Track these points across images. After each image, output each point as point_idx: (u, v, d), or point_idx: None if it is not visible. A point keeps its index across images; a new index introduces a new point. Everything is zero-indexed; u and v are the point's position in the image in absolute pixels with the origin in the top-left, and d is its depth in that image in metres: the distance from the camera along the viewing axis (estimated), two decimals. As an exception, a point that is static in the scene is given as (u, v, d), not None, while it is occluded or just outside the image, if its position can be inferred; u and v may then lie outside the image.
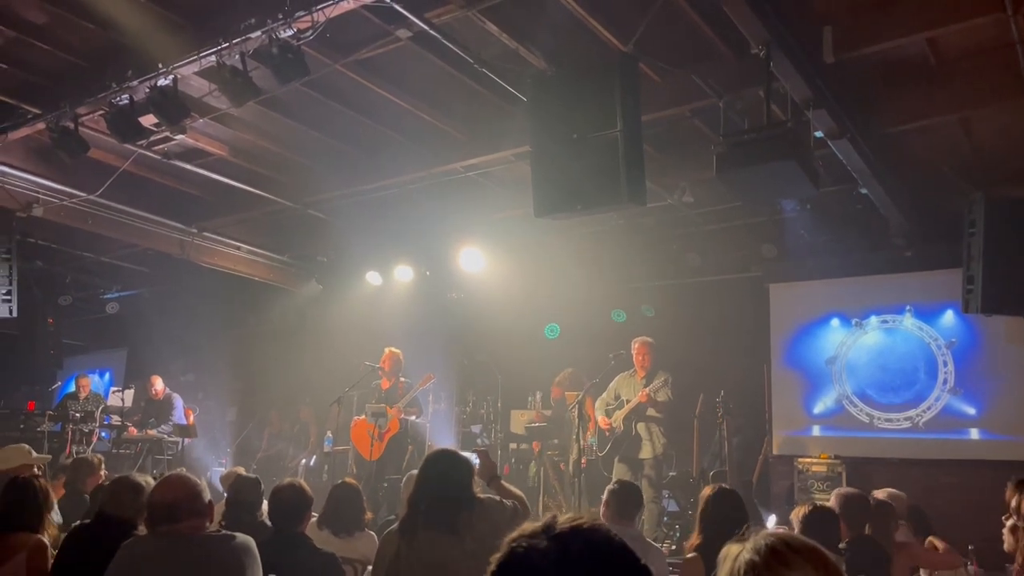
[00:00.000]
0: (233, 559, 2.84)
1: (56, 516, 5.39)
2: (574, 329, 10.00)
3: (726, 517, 3.71)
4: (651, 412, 7.96)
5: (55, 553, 3.94)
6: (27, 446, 5.55)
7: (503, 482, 3.96)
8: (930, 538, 5.02)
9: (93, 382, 14.20)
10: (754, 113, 5.76)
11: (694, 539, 3.88)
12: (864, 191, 7.29)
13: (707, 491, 4.01)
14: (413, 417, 8.88)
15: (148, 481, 3.69)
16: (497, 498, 3.63)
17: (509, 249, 9.47)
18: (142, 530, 3.45)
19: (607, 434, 8.17)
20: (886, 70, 6.06)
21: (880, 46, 5.52)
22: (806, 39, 5.29)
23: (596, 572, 1.26)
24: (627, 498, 4.68)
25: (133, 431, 10.24)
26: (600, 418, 8.21)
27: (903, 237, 8.16)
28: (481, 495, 3.58)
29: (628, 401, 8.03)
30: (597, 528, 1.32)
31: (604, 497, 4.69)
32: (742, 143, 5.16)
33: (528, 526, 1.34)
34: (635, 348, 8.18)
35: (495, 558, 1.32)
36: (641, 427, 7.98)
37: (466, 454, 3.90)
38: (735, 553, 1.58)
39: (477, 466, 3.76)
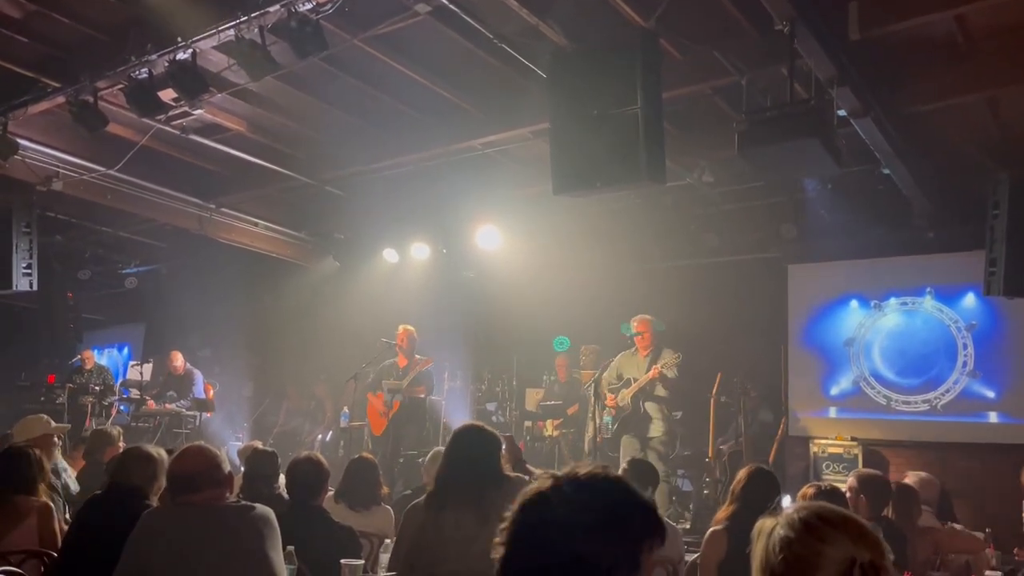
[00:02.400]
0: (253, 529, 2.86)
1: (73, 485, 5.48)
2: (589, 308, 9.96)
3: (761, 496, 3.73)
4: (659, 390, 7.91)
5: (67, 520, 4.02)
6: (45, 416, 5.60)
7: (528, 465, 3.96)
8: (949, 524, 4.99)
9: (110, 356, 14.42)
10: (776, 91, 5.67)
11: (724, 511, 3.90)
12: (886, 171, 7.19)
13: (746, 469, 4.02)
14: (421, 395, 8.87)
15: (160, 452, 3.74)
16: (526, 477, 3.62)
17: (526, 227, 9.44)
18: (154, 499, 3.49)
19: (613, 412, 8.13)
20: (912, 48, 5.95)
21: (907, 23, 5.41)
22: (831, 15, 5.20)
23: (600, 508, 1.35)
24: (640, 476, 4.67)
25: (152, 405, 10.35)
26: (608, 396, 8.16)
27: (925, 218, 8.06)
28: (510, 473, 3.58)
29: (634, 380, 7.97)
30: (602, 473, 1.42)
31: None
32: (765, 120, 5.10)
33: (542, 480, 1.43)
34: (635, 327, 8.11)
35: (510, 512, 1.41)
36: (650, 405, 7.95)
37: None
38: (769, 528, 1.56)
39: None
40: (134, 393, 10.85)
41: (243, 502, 3.04)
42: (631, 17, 5.43)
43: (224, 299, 11.31)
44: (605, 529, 1.33)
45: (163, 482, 3.51)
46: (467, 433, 3.60)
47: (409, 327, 8.96)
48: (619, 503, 1.37)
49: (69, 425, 7.30)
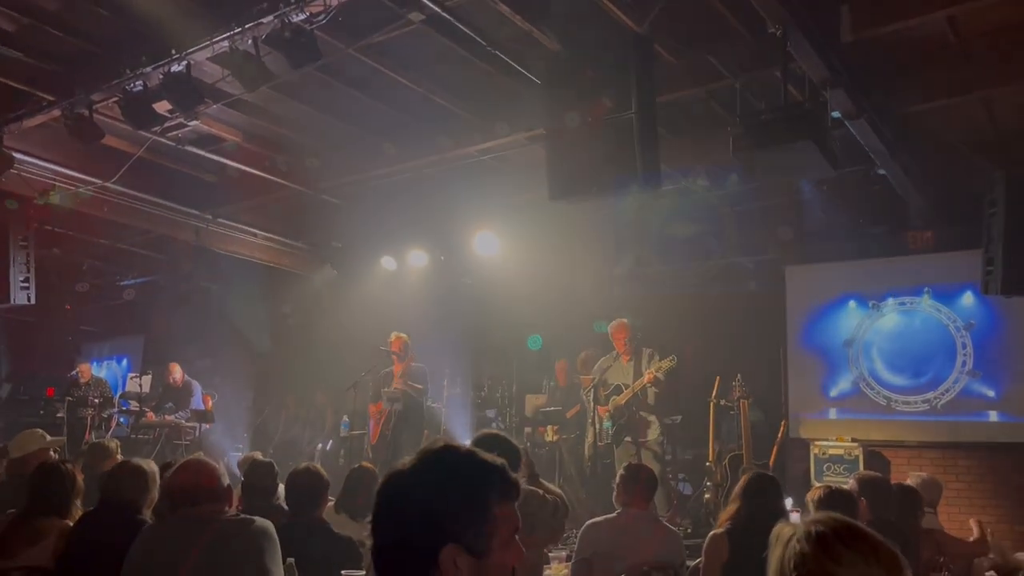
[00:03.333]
0: (252, 543, 2.86)
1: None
2: (588, 311, 9.95)
3: (761, 500, 3.75)
4: (650, 394, 7.85)
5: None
6: (40, 430, 5.56)
7: (542, 480, 3.96)
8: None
9: (109, 368, 14.39)
10: (771, 94, 5.67)
11: (725, 513, 3.93)
12: (882, 172, 7.21)
13: (747, 474, 4.07)
14: (419, 387, 8.79)
15: (150, 465, 3.72)
16: (540, 491, 3.61)
17: (524, 233, 9.43)
18: (147, 513, 3.48)
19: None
20: (905, 49, 5.97)
21: (899, 24, 5.43)
22: (824, 18, 5.22)
23: (431, 477, 1.42)
24: (640, 481, 4.63)
25: (151, 416, 10.33)
26: (599, 408, 8.11)
27: (921, 218, 8.08)
28: (525, 486, 3.56)
29: (625, 386, 7.91)
30: (444, 446, 1.49)
31: (616, 482, 4.62)
32: (759, 124, 5.10)
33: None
34: (612, 332, 8.06)
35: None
36: (644, 409, 7.92)
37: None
38: (786, 537, 1.54)
39: None
40: (133, 405, 10.83)
41: (242, 515, 3.03)
42: (624, 22, 5.43)
43: (223, 309, 11.29)
44: (449, 489, 1.41)
45: (155, 495, 3.50)
46: (483, 441, 3.58)
47: (402, 334, 8.94)
48: (462, 465, 1.45)
49: (64, 439, 7.28)
